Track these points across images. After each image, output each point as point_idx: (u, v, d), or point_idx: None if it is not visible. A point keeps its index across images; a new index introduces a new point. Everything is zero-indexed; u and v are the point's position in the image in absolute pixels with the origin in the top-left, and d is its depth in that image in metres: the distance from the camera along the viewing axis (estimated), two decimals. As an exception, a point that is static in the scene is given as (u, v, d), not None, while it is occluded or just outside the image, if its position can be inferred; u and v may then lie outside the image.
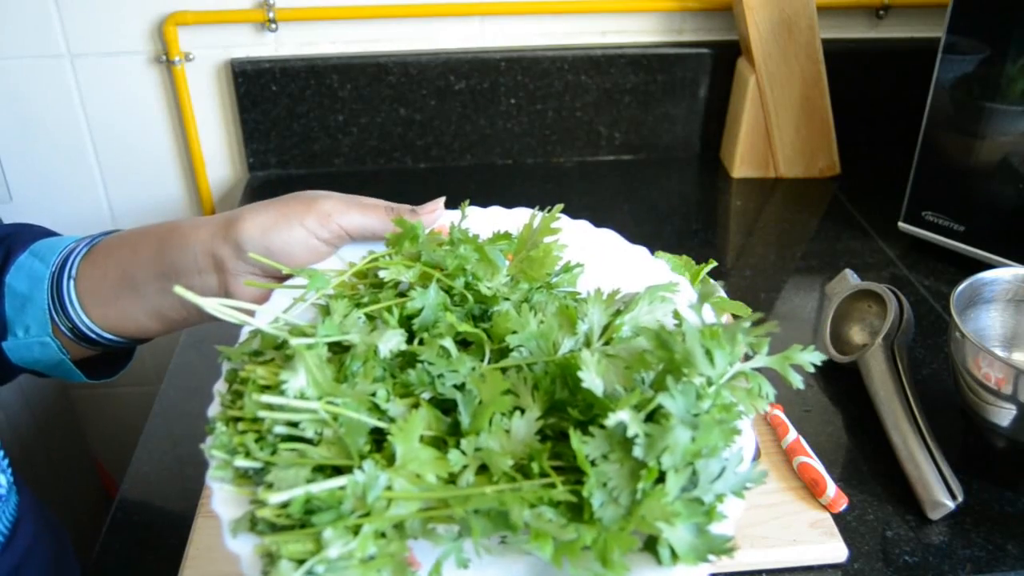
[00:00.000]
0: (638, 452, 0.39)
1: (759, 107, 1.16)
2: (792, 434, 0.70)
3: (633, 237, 0.62)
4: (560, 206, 0.57)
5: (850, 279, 0.84)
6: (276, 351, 0.46)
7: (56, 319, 0.58)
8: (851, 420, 0.76)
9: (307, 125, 1.19)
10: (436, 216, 0.56)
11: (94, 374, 0.63)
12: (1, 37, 1.11)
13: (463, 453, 0.41)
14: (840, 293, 0.84)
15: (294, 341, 0.43)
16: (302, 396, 0.42)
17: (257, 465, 0.41)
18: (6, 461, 0.62)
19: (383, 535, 0.39)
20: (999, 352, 0.69)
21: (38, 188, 1.21)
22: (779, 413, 0.72)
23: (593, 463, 0.40)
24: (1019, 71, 0.87)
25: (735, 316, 0.80)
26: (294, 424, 0.41)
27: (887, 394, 0.73)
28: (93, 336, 0.59)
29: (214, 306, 0.45)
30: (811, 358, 0.44)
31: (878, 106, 1.25)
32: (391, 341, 0.45)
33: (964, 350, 0.68)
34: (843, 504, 0.65)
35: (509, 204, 0.62)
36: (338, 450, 0.41)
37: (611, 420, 0.39)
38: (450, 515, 0.39)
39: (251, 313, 0.48)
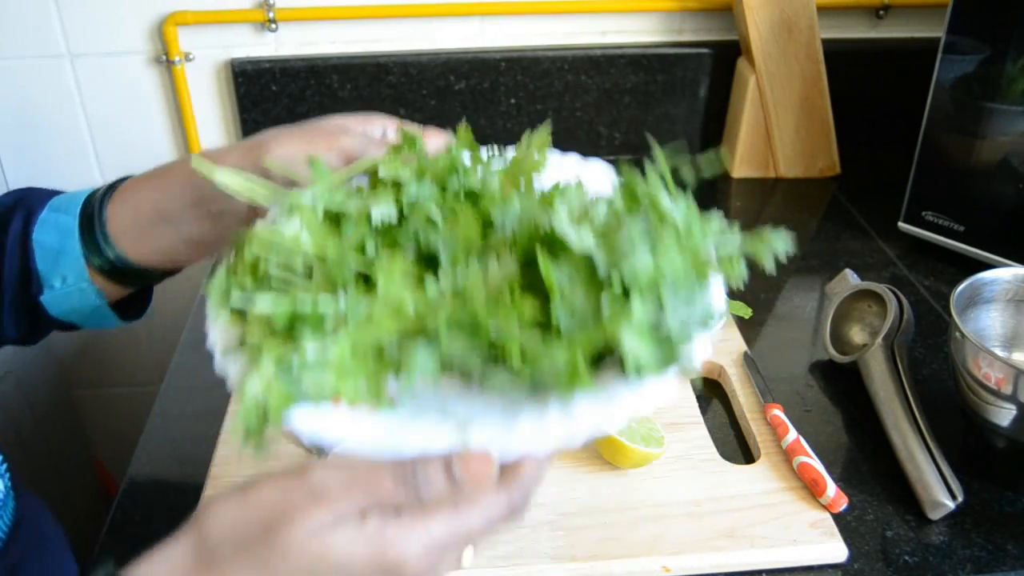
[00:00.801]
0: (600, 269, 0.40)
1: (759, 107, 1.16)
2: (792, 434, 0.70)
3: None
4: (548, 124, 0.57)
5: (850, 279, 0.84)
6: None
7: (92, 263, 0.61)
8: (851, 420, 0.76)
9: (307, 125, 1.19)
10: (440, 142, 0.56)
11: (125, 316, 0.66)
12: (1, 37, 1.11)
13: (439, 285, 0.42)
14: (840, 293, 0.84)
15: (292, 198, 0.45)
16: (297, 242, 0.43)
17: (249, 297, 0.42)
18: (4, 467, 0.62)
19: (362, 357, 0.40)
20: (999, 352, 0.69)
21: (38, 188, 1.21)
22: (779, 413, 0.72)
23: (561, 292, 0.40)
24: (1019, 71, 0.87)
25: (734, 315, 0.80)
26: (290, 270, 0.43)
27: (887, 394, 0.73)
28: (132, 270, 0.62)
29: (230, 178, 0.48)
30: (782, 243, 0.46)
31: (878, 106, 1.25)
32: (384, 208, 0.46)
33: (964, 350, 0.68)
34: (843, 504, 0.65)
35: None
36: (326, 286, 0.42)
37: (572, 236, 0.40)
38: (425, 331, 0.40)
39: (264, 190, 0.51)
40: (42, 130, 1.17)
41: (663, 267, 0.39)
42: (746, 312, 0.74)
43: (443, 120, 1.21)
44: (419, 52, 1.17)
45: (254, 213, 0.56)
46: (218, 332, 0.43)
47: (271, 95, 1.16)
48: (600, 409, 0.38)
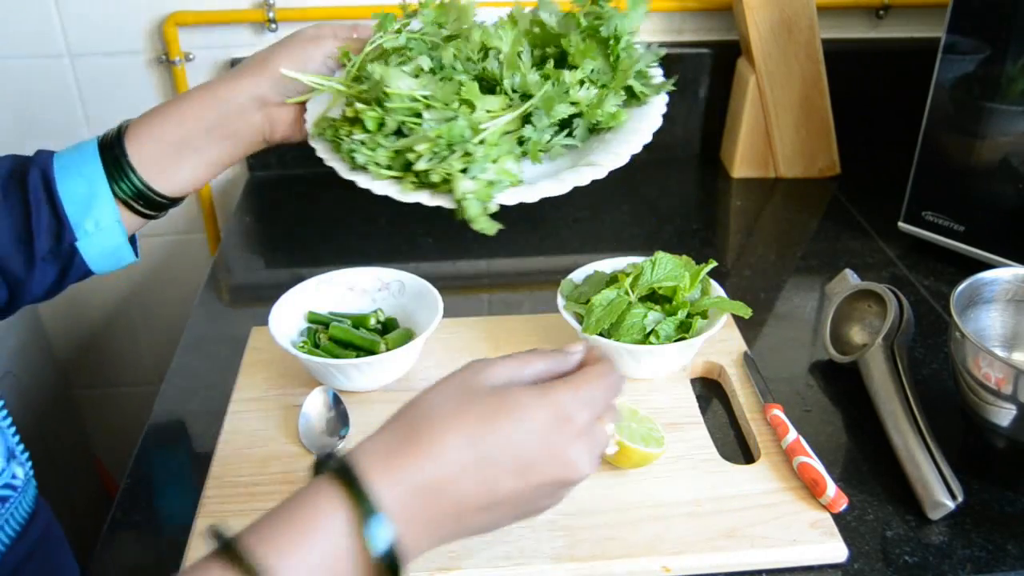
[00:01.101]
0: (603, 30, 0.71)
1: (759, 107, 1.16)
2: (792, 434, 0.70)
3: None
4: None
5: (850, 279, 0.84)
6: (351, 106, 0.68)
7: (122, 199, 0.68)
8: (851, 420, 0.76)
9: (307, 125, 1.19)
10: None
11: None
12: (1, 37, 1.11)
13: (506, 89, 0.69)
14: (840, 293, 0.84)
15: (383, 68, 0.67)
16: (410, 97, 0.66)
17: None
18: (26, 455, 0.63)
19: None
20: (999, 352, 0.69)
21: (38, 188, 1.21)
22: (779, 413, 0.72)
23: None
24: (1019, 71, 0.87)
25: (733, 315, 0.80)
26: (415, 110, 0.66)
27: (887, 394, 0.73)
28: (156, 199, 0.70)
29: (307, 77, 0.69)
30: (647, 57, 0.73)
31: (878, 106, 1.25)
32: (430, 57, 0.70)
33: (964, 350, 0.68)
34: (843, 504, 0.65)
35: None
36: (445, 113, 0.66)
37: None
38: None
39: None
40: (42, 130, 1.17)
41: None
42: (746, 312, 0.75)
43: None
44: (419, 52, 1.17)
45: (269, 128, 0.72)
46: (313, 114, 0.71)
47: (271, 95, 1.16)
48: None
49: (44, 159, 0.68)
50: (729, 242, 1.08)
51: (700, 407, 0.76)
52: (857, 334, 0.82)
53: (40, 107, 1.16)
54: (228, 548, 0.41)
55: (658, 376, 0.78)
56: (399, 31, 0.72)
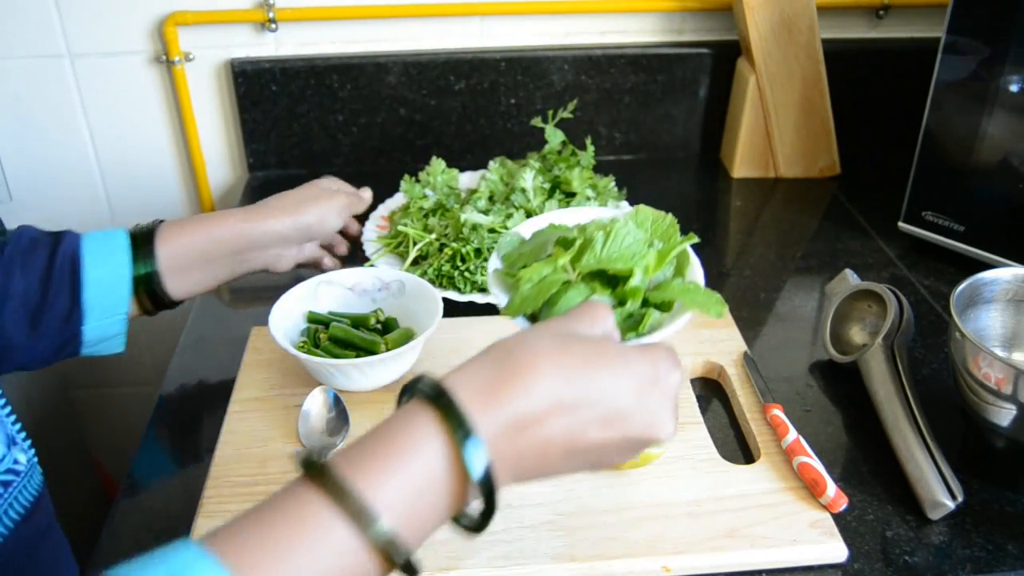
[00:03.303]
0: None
1: (759, 107, 1.16)
2: (792, 434, 0.70)
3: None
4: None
5: (850, 279, 0.84)
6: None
7: (137, 296, 0.73)
8: (851, 420, 0.76)
9: (307, 125, 1.19)
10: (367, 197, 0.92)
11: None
12: (1, 37, 1.11)
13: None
14: (840, 293, 0.84)
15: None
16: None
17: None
18: (28, 443, 0.63)
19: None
20: (999, 352, 0.69)
21: (38, 188, 1.21)
22: (779, 413, 0.72)
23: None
24: (1019, 71, 0.87)
25: (734, 316, 0.79)
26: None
27: (887, 394, 0.73)
28: (163, 301, 0.75)
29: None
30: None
31: (878, 106, 1.25)
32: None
33: (964, 350, 0.68)
34: (843, 504, 0.65)
35: None
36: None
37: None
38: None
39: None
40: (42, 130, 1.17)
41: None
42: (718, 311, 0.62)
43: (443, 120, 1.21)
44: (419, 52, 1.17)
45: (275, 261, 0.83)
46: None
47: (271, 95, 1.16)
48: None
49: (73, 240, 0.71)
50: (729, 242, 1.08)
51: (700, 407, 0.76)
52: (857, 334, 0.82)
53: (40, 107, 1.16)
54: (322, 474, 0.40)
55: None
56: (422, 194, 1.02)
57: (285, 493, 0.41)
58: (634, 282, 0.57)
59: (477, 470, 0.42)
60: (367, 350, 0.75)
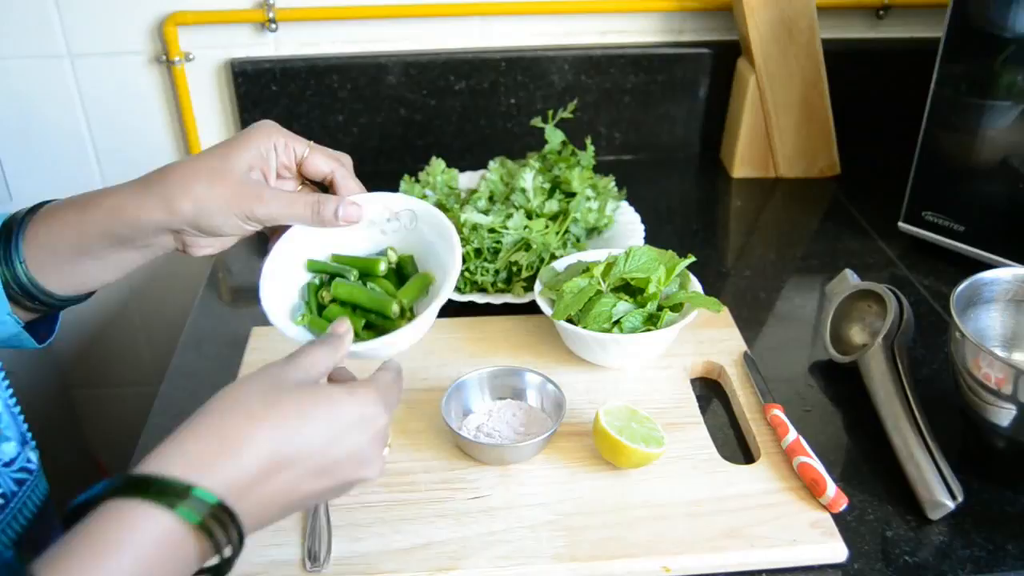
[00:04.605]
0: None
1: (759, 107, 1.16)
2: (792, 434, 0.70)
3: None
4: None
5: (850, 279, 0.84)
6: None
7: (13, 296, 0.61)
8: (851, 420, 0.76)
9: (307, 125, 1.19)
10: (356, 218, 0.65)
11: (38, 337, 0.67)
12: (1, 37, 1.11)
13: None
14: (840, 293, 0.84)
15: None
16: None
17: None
18: (33, 443, 0.63)
19: None
20: (999, 352, 0.69)
21: (38, 188, 1.21)
22: (779, 413, 0.72)
23: None
24: (1019, 71, 0.87)
25: (734, 316, 0.80)
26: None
27: (887, 394, 0.73)
28: (51, 302, 0.63)
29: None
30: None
31: (878, 106, 1.25)
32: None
33: (964, 350, 0.68)
34: (843, 504, 0.65)
35: None
36: None
37: None
38: None
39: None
40: (42, 130, 1.17)
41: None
42: (717, 308, 0.78)
43: (443, 120, 1.21)
44: (419, 52, 1.17)
45: (184, 246, 0.63)
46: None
47: (271, 95, 1.16)
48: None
49: None
50: (729, 242, 1.08)
51: (700, 407, 0.76)
52: (857, 334, 0.82)
53: (40, 107, 1.16)
54: None
55: (627, 367, 0.79)
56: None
57: None
58: (651, 289, 0.77)
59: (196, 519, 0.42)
60: (377, 312, 0.65)
